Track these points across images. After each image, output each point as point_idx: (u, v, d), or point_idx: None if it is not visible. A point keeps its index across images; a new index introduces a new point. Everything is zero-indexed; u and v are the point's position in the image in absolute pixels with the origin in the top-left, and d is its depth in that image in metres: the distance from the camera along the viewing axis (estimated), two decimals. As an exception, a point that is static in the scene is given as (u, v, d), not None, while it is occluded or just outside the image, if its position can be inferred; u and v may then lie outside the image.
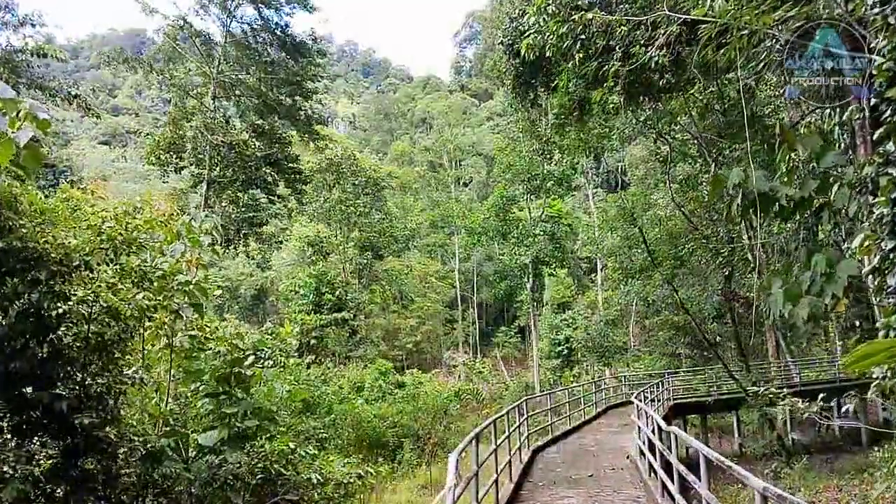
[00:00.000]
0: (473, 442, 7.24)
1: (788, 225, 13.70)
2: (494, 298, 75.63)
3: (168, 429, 7.59)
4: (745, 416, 25.69)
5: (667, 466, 8.07)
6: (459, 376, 52.29)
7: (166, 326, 7.87)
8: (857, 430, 24.81)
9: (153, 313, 7.18)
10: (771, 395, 21.40)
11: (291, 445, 9.18)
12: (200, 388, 8.62)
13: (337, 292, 34.11)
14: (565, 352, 45.10)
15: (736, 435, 24.74)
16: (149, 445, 6.97)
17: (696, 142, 27.23)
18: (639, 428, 12.05)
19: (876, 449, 21.23)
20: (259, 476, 8.32)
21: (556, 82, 17.57)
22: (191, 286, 7.39)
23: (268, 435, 8.82)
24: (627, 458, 12.35)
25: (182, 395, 9.16)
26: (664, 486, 8.05)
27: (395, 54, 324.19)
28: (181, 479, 7.34)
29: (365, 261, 38.03)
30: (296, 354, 33.02)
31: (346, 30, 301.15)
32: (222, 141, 26.45)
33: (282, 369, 26.28)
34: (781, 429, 22.56)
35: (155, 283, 7.15)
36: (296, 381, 24.80)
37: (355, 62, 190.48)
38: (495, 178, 51.82)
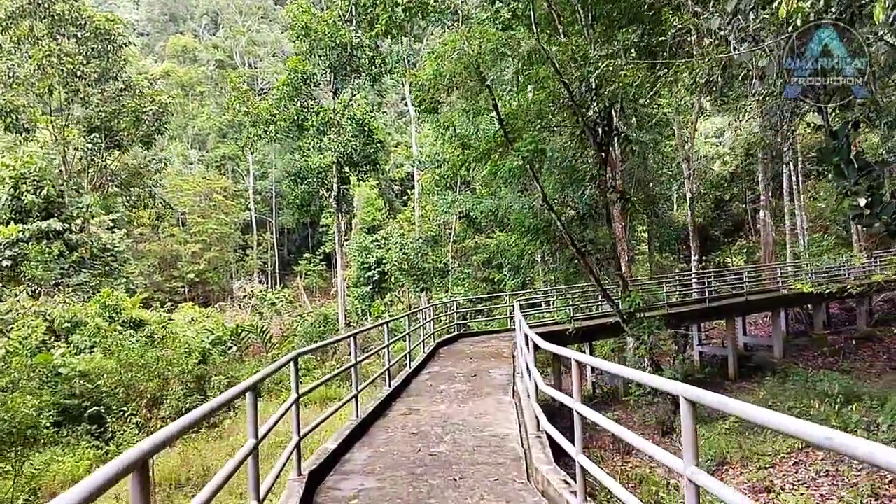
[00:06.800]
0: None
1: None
2: (297, 222, 66.38)
3: None
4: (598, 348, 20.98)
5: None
6: (255, 308, 43.61)
7: None
8: (722, 360, 21.32)
9: None
10: (656, 320, 16.35)
11: None
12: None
13: (44, 191, 22.65)
14: (376, 277, 38.24)
15: (589, 371, 19.73)
16: None
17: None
18: (581, 417, 4.99)
19: (759, 381, 17.52)
20: None
21: None
22: None
23: None
24: (532, 480, 5.35)
25: None
26: None
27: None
28: None
29: (91, 145, 26.29)
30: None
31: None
32: None
33: None
34: (635, 361, 17.67)
35: None
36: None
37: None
38: (291, 52, 41.74)
